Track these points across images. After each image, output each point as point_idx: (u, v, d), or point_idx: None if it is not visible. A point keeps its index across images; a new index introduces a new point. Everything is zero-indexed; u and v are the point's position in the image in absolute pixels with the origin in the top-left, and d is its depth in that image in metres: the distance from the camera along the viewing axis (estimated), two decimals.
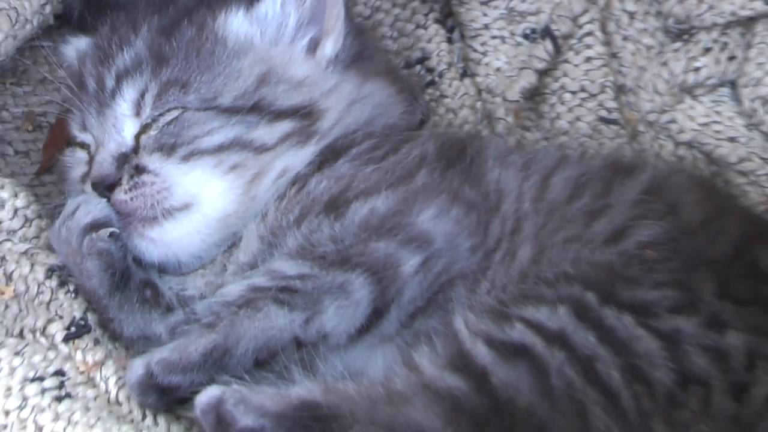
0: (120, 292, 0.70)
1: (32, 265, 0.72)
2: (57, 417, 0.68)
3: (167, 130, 0.69)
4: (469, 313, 0.66)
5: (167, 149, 0.68)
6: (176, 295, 0.74)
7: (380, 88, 0.77)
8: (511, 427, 0.63)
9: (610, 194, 0.71)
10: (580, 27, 0.92)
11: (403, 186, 0.69)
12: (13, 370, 0.69)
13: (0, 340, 0.71)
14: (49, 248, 0.75)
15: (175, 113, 0.70)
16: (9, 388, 0.69)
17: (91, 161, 0.72)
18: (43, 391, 0.68)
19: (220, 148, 0.69)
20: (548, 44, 0.87)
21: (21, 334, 0.73)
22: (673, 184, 0.73)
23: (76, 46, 0.80)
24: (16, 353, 0.70)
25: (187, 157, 0.69)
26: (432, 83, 0.92)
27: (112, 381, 0.70)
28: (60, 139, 0.84)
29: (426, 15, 0.89)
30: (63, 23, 0.92)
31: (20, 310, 0.74)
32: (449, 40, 0.93)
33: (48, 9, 0.86)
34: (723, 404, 0.65)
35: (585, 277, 0.66)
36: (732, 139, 0.83)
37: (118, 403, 0.70)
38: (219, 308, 0.67)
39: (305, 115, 0.72)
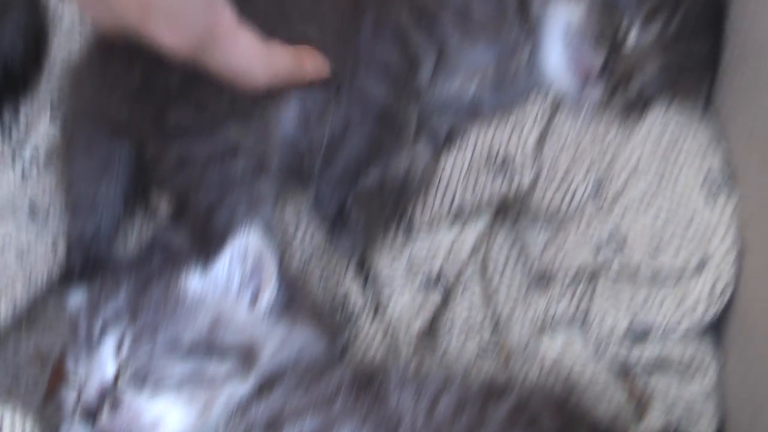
0: None
1: None
2: None
3: (140, 368, 0.75)
4: None
5: (139, 383, 0.74)
6: None
7: (307, 328, 0.83)
8: None
9: (485, 412, 0.75)
10: (465, 274, 0.94)
11: (325, 409, 0.74)
12: None
13: None
14: None
15: (146, 355, 0.76)
16: None
17: (80, 393, 0.76)
18: None
19: (180, 382, 0.75)
20: (440, 290, 0.92)
21: None
22: (535, 401, 0.78)
23: (76, 297, 0.85)
24: None
25: (154, 390, 0.75)
26: (350, 322, 0.93)
27: None
28: (60, 374, 0.85)
29: (346, 268, 0.94)
30: (66, 279, 0.91)
31: None
32: (364, 287, 0.94)
33: (54, 271, 0.91)
34: None
35: None
36: (583, 365, 0.88)
37: None
38: None
39: (247, 353, 0.78)
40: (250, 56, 0.83)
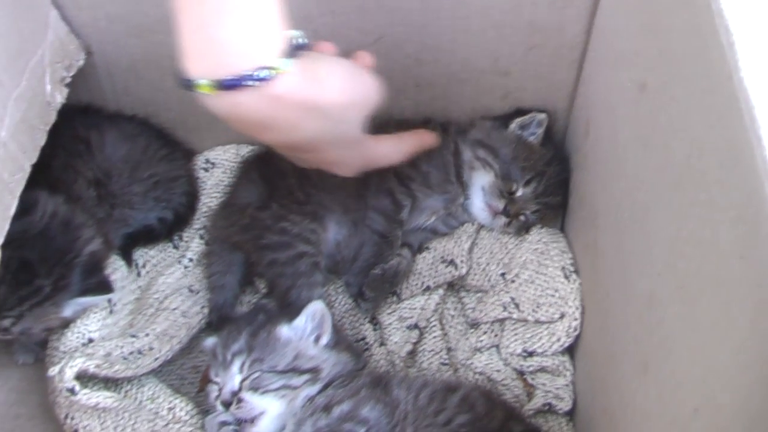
0: None
1: None
2: None
3: (254, 381, 0.92)
4: None
5: (253, 388, 0.91)
6: None
7: (345, 354, 0.99)
8: None
9: (446, 401, 0.91)
10: (431, 322, 1.12)
11: (356, 396, 0.91)
12: None
13: None
14: (203, 430, 0.96)
15: (258, 373, 0.92)
16: None
17: (220, 391, 0.93)
18: None
19: (278, 388, 0.92)
20: (417, 331, 1.11)
21: None
22: (473, 393, 0.94)
23: (208, 342, 1.02)
24: None
25: (263, 393, 0.92)
26: (367, 349, 1.11)
27: None
28: (206, 379, 1.04)
29: (363, 318, 1.14)
30: (208, 328, 1.12)
31: None
32: (374, 331, 1.13)
33: (203, 322, 1.11)
34: None
35: None
36: (497, 371, 1.05)
37: None
38: None
39: (314, 371, 0.95)
40: (389, 151, 0.96)
